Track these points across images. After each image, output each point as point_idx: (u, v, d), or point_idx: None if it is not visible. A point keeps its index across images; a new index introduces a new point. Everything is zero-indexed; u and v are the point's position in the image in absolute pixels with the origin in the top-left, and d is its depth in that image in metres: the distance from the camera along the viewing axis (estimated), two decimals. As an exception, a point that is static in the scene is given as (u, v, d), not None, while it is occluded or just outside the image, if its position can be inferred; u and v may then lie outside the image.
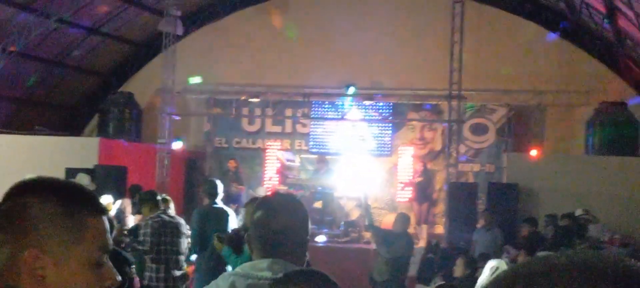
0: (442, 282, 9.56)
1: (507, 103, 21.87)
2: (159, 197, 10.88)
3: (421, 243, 19.04)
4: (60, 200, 1.94)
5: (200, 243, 10.26)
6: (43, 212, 1.91)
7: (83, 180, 15.91)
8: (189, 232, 10.78)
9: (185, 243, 10.70)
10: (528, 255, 10.31)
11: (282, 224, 3.16)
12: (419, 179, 20.12)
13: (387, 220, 18.42)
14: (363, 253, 17.04)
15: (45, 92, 22.89)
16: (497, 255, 15.10)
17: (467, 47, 19.63)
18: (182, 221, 10.89)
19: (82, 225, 1.94)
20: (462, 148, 21.13)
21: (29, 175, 2.20)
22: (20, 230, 1.91)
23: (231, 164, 20.96)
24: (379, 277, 13.20)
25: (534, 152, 20.48)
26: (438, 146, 22.04)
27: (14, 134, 20.57)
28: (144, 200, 10.80)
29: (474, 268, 11.12)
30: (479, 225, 17.02)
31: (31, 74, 21.81)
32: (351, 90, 21.46)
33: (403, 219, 13.47)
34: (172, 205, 11.31)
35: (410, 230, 19.37)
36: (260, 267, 3.09)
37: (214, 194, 10.83)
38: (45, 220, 1.91)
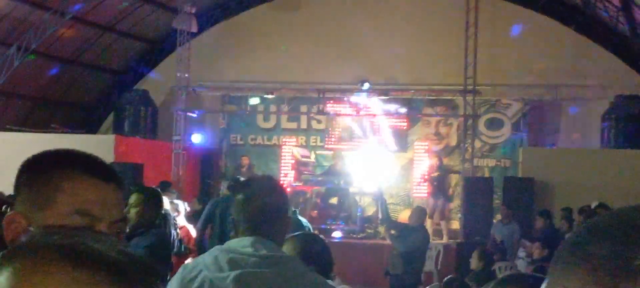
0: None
1: (522, 97, 21.82)
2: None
3: (440, 239, 19.07)
4: (39, 166, 1.99)
5: (221, 233, 10.29)
6: (23, 177, 2.00)
7: None
8: (180, 224, 10.74)
9: (172, 234, 10.57)
10: (544, 247, 10.30)
11: (261, 204, 3.36)
12: (435, 174, 20.09)
13: (402, 216, 18.41)
14: (379, 249, 17.04)
15: (60, 90, 22.99)
16: (514, 250, 15.15)
17: (482, 41, 19.61)
18: (169, 213, 10.73)
19: (56, 188, 1.94)
20: (478, 144, 21.12)
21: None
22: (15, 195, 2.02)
23: (244, 161, 21.04)
24: (394, 270, 13.21)
25: (549, 147, 20.44)
26: (453, 141, 22.01)
27: (30, 132, 20.65)
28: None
29: (490, 261, 11.13)
30: (495, 220, 17.01)
31: (46, 72, 21.91)
32: (366, 85, 21.44)
33: (419, 212, 13.48)
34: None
35: (429, 225, 19.45)
36: (244, 244, 3.28)
37: (233, 187, 10.90)
38: (24, 185, 1.99)
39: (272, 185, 3.54)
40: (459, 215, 20.19)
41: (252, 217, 3.33)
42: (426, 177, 20.67)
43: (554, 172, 19.09)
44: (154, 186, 14.58)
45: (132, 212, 7.07)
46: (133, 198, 7.19)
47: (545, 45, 21.89)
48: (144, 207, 7.12)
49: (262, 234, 3.28)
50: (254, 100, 22.25)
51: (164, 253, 7.25)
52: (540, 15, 21.97)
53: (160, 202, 7.55)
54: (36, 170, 1.99)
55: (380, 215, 16.06)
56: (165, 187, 17.74)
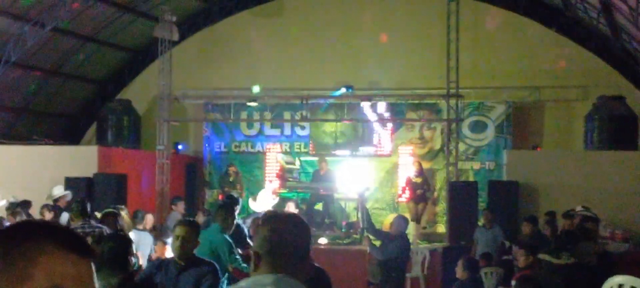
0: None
1: (506, 100, 21.86)
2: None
3: (428, 243, 19.08)
4: (13, 239, 1.93)
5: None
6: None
7: (57, 190, 15.99)
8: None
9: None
10: (529, 255, 10.28)
11: (286, 241, 3.28)
12: (417, 179, 20.08)
13: (388, 221, 18.39)
14: (363, 255, 17.00)
15: (42, 101, 22.86)
16: (498, 254, 15.14)
17: (464, 45, 19.62)
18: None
19: (32, 263, 1.90)
20: (462, 146, 21.14)
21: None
22: None
23: (231, 169, 21.00)
24: (374, 278, 13.21)
25: (533, 149, 20.45)
26: (438, 145, 22.02)
27: (12, 144, 20.55)
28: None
29: (476, 269, 11.11)
30: (479, 224, 17.01)
31: (28, 83, 21.79)
32: (349, 91, 21.41)
33: (399, 221, 13.45)
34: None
35: (414, 229, 19.45)
36: (265, 282, 3.20)
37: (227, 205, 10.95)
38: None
39: (298, 223, 3.45)
40: (445, 218, 20.19)
41: (276, 253, 3.26)
42: (407, 183, 20.64)
43: (538, 174, 19.11)
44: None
45: (177, 244, 7.24)
46: (178, 230, 7.29)
47: (528, 47, 21.97)
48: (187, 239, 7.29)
49: (283, 270, 3.23)
50: (256, 89, 21.92)
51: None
52: (522, 17, 22.04)
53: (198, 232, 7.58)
54: (10, 244, 1.95)
55: (361, 224, 16.00)
56: (177, 201, 17.94)
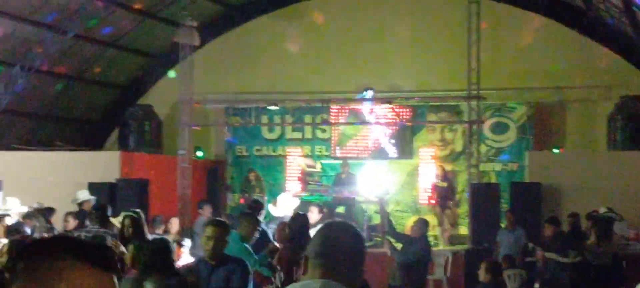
0: None
1: (527, 101, 21.75)
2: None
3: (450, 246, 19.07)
4: (39, 254, 1.98)
5: None
6: (20, 265, 1.99)
7: (82, 194, 16.00)
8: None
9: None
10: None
11: (339, 248, 3.28)
12: (442, 184, 20.07)
13: (410, 223, 18.37)
14: (384, 258, 16.98)
15: (64, 107, 22.99)
16: (521, 256, 15.07)
17: (485, 46, 19.56)
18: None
19: (57, 278, 1.94)
20: (483, 148, 21.07)
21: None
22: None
23: (251, 176, 21.10)
24: (394, 282, 13.21)
25: (555, 150, 20.34)
26: (459, 147, 21.94)
27: (35, 150, 20.69)
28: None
29: (499, 272, 11.05)
30: (502, 226, 16.94)
31: (50, 89, 21.92)
32: (370, 94, 21.39)
33: (420, 224, 13.44)
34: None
35: (439, 232, 19.44)
36: (313, 286, 3.21)
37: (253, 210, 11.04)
38: (22, 272, 1.98)
39: (353, 231, 3.42)
40: (467, 221, 20.11)
41: (328, 259, 3.26)
42: (431, 187, 20.64)
43: (561, 176, 19.01)
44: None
45: (209, 244, 7.32)
46: (209, 231, 7.39)
47: (549, 47, 21.85)
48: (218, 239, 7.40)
49: (334, 278, 3.21)
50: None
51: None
52: (543, 18, 21.91)
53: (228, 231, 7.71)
54: (36, 259, 1.99)
55: (382, 227, 15.95)
56: (203, 205, 18.03)
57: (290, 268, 10.45)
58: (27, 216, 13.79)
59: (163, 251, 6.73)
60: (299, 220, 11.74)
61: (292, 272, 10.31)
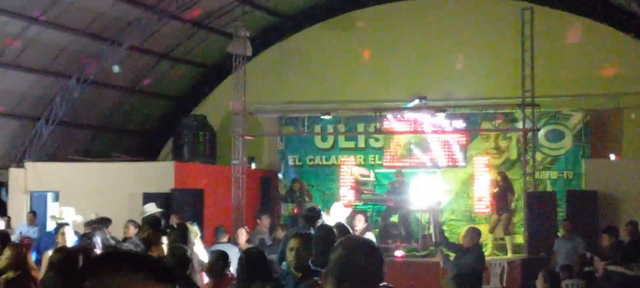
0: None
1: (583, 108, 21.47)
2: None
3: (504, 254, 18.86)
4: (105, 271, 2.06)
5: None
6: (87, 283, 2.07)
7: (149, 207, 16.04)
8: None
9: None
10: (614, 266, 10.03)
11: (354, 266, 3.25)
12: (496, 190, 19.88)
13: (462, 232, 18.23)
14: (438, 268, 16.86)
15: (120, 118, 23.27)
16: (579, 265, 14.85)
17: (539, 53, 19.35)
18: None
19: None
20: (539, 156, 20.85)
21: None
22: None
23: (295, 186, 21.19)
24: (447, 294, 13.03)
25: (612, 157, 20.06)
26: (514, 155, 21.73)
27: (91, 161, 20.95)
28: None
29: (557, 282, 10.89)
30: (559, 235, 16.73)
31: (106, 101, 22.19)
32: (423, 102, 21.29)
33: (472, 233, 13.28)
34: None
35: (492, 240, 19.26)
36: None
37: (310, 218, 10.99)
38: None
39: (370, 249, 3.40)
40: (523, 229, 19.90)
41: (343, 276, 3.23)
42: (487, 192, 20.48)
43: (618, 184, 18.74)
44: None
45: (292, 256, 7.30)
46: (293, 242, 7.36)
47: (604, 53, 21.57)
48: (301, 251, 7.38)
49: None
50: None
51: None
52: (598, 24, 21.62)
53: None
54: (104, 275, 2.04)
55: (434, 238, 15.82)
56: (261, 215, 18.09)
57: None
58: (90, 224, 13.91)
59: (260, 260, 7.23)
60: (324, 231, 9.82)
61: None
